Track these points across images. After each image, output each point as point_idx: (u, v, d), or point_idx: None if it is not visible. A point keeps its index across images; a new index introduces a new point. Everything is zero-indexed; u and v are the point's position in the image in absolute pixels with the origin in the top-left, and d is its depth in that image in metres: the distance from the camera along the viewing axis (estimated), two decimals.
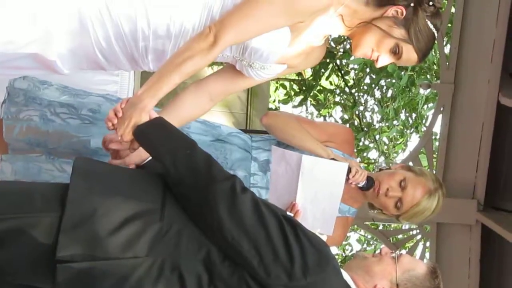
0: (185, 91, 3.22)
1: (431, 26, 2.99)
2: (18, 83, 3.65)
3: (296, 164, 3.36)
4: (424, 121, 13.68)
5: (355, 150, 14.64)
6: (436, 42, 3.11)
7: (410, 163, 7.84)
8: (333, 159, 3.54)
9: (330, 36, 3.14)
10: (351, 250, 14.18)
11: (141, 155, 2.88)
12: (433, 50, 3.10)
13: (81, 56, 3.03)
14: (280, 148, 3.51)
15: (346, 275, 2.70)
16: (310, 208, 3.39)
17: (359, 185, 3.57)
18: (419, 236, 7.81)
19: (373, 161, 15.05)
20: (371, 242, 14.06)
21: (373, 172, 3.72)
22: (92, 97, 3.72)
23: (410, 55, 3.02)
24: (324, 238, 2.70)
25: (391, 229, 8.41)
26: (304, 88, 14.55)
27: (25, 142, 3.59)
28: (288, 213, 2.63)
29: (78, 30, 2.93)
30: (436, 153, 7.85)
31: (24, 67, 3.07)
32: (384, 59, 3.03)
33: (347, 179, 3.51)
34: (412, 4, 2.95)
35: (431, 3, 2.97)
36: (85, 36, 2.95)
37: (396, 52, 3.00)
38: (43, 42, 2.92)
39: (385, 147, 14.63)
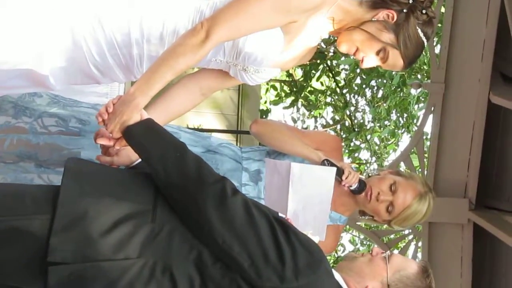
0: (177, 85, 3.21)
1: (422, 35, 2.97)
2: (8, 95, 3.63)
3: (286, 172, 3.37)
4: (415, 121, 13.71)
5: (347, 151, 14.72)
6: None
7: (402, 163, 7.86)
8: (326, 159, 3.55)
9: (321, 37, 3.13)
10: (343, 251, 14.20)
11: (130, 156, 2.87)
12: (423, 50, 3.09)
13: (75, 71, 3.02)
14: (272, 160, 3.51)
15: (338, 276, 2.70)
16: (302, 215, 3.39)
17: (352, 188, 3.58)
18: (411, 236, 7.82)
19: (364, 161, 15.06)
20: (364, 242, 14.08)
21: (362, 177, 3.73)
22: (82, 108, 3.70)
23: (396, 60, 3.00)
24: (316, 239, 2.69)
25: (383, 229, 8.42)
26: (295, 89, 14.56)
27: (15, 154, 3.58)
28: (280, 215, 2.62)
29: (71, 47, 2.93)
30: (428, 152, 7.85)
31: (16, 86, 3.06)
32: (370, 61, 3.02)
33: (340, 181, 3.52)
34: (405, 10, 2.94)
35: (424, 11, 2.95)
36: (78, 52, 2.95)
37: (382, 55, 2.99)
38: (36, 60, 2.91)
39: (377, 147, 14.66)
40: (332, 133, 15.05)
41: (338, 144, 3.88)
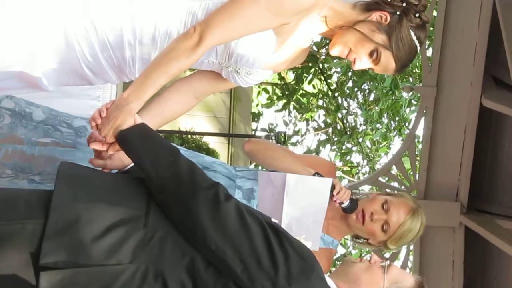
0: (170, 89, 3.21)
1: (414, 38, 2.97)
2: (5, 103, 3.61)
3: (281, 184, 3.37)
4: (407, 124, 13.74)
5: (339, 154, 14.68)
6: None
7: (394, 166, 7.87)
8: (316, 173, 3.54)
9: (313, 38, 3.13)
10: (335, 254, 14.18)
11: (123, 161, 2.87)
12: (416, 55, 3.08)
13: (68, 72, 3.01)
14: (265, 172, 3.52)
15: (331, 283, 2.69)
16: (296, 226, 3.39)
17: (343, 205, 3.57)
18: None
19: (356, 164, 15.09)
20: (356, 246, 14.08)
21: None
22: (77, 120, 3.69)
23: (388, 62, 2.99)
24: (308, 245, 2.68)
25: None
26: (286, 92, 14.60)
27: (9, 166, 3.56)
28: (274, 220, 2.62)
29: (64, 48, 2.92)
30: (419, 156, 7.87)
31: (9, 87, 3.06)
32: (362, 62, 3.01)
33: (331, 196, 3.51)
34: (398, 13, 2.95)
35: (417, 15, 2.96)
36: (71, 53, 2.94)
37: (374, 57, 2.99)
38: (29, 61, 2.90)
39: (368, 150, 14.69)
40: (324, 136, 15.07)
41: (331, 168, 3.88)
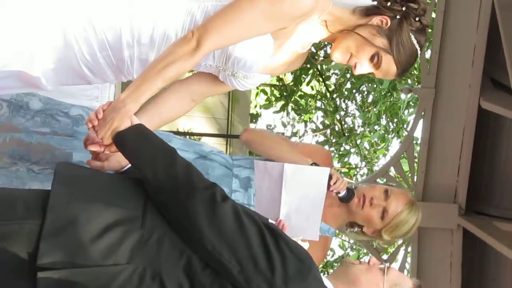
0: (168, 91, 3.20)
1: (415, 42, 2.97)
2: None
3: (279, 174, 3.37)
4: (405, 126, 13.74)
5: (337, 155, 14.68)
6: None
7: (392, 168, 7.86)
8: (314, 163, 3.55)
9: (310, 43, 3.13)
10: (333, 255, 14.23)
11: (120, 162, 2.87)
12: (417, 59, 3.08)
13: (66, 71, 3.01)
14: (262, 162, 3.52)
15: (329, 284, 2.69)
16: (295, 216, 3.39)
17: (340, 195, 3.59)
18: (400, 241, 7.83)
19: (354, 166, 15.09)
20: (354, 247, 14.10)
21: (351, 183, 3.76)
22: (74, 109, 3.70)
23: (389, 66, 2.99)
24: (305, 246, 2.68)
25: None
26: (285, 93, 14.59)
27: (8, 154, 3.56)
28: (270, 221, 2.61)
29: (62, 47, 2.92)
30: (418, 157, 7.87)
31: (8, 86, 3.05)
32: (363, 67, 3.01)
33: (328, 186, 3.52)
34: (398, 17, 2.95)
35: (417, 18, 2.96)
36: (69, 52, 2.93)
37: (375, 61, 2.98)
38: (27, 60, 2.90)
39: (366, 152, 14.69)
40: (322, 137, 15.07)
41: (329, 158, 3.90)
